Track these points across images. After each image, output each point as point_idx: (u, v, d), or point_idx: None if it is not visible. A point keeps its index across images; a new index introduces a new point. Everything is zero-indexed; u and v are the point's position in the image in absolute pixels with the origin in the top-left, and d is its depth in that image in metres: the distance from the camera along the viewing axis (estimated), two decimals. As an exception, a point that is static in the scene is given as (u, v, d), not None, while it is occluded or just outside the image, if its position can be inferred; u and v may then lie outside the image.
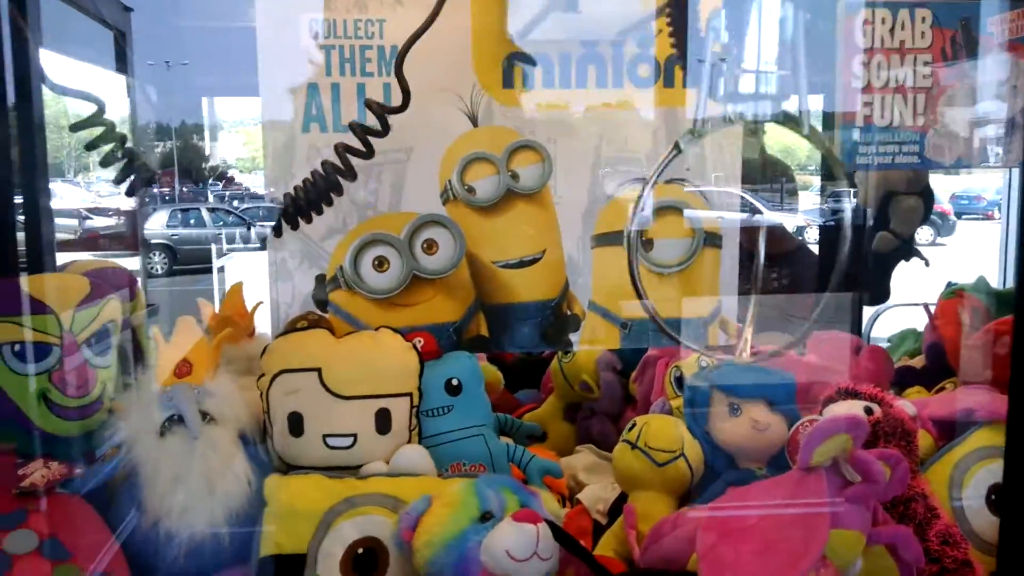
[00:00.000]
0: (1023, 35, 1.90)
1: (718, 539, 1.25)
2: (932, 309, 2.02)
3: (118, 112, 2.13)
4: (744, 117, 1.69)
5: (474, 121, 1.85)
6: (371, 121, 1.70)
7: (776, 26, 1.76)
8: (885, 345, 2.33)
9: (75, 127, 1.73)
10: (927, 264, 2.45)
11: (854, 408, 1.48)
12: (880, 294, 2.52)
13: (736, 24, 1.79)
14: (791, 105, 1.64)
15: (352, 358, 1.59)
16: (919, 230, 2.54)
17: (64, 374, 1.49)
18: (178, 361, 1.56)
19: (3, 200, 1.81)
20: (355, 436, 1.55)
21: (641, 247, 1.86)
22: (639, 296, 1.59)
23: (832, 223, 2.10)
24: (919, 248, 2.51)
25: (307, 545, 1.40)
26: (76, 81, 1.85)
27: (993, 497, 1.51)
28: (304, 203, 1.75)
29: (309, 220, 1.79)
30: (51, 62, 1.84)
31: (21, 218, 1.87)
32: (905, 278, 2.47)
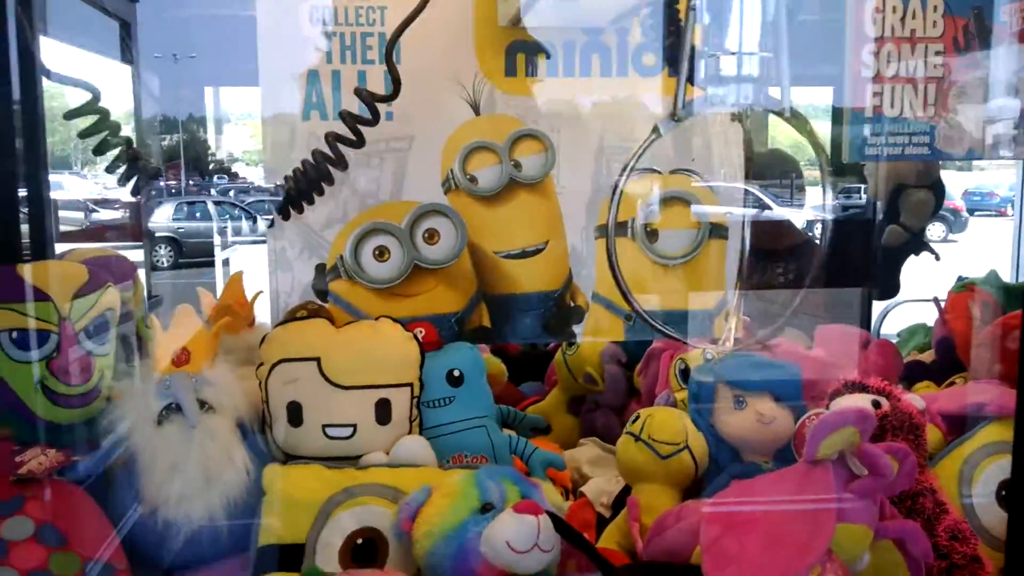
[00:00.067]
0: (1038, 24, 1.86)
1: (722, 532, 1.22)
2: (942, 304, 1.99)
3: (123, 105, 2.12)
4: (725, 102, 1.66)
5: (476, 109, 1.83)
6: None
7: (758, 9, 1.72)
8: (894, 340, 2.31)
9: (69, 115, 1.71)
10: (937, 258, 2.42)
11: (861, 401, 1.46)
12: (890, 288, 2.49)
13: (717, 7, 1.76)
14: (776, 92, 1.62)
15: (352, 348, 1.58)
16: (930, 226, 2.51)
17: (62, 362, 1.48)
18: (176, 349, 1.54)
19: (6, 191, 1.80)
20: (355, 426, 1.54)
21: (646, 238, 1.84)
22: (616, 280, 1.56)
23: (817, 215, 2.07)
24: (930, 243, 2.48)
25: (306, 535, 1.39)
26: (79, 71, 1.83)
27: (1003, 493, 1.49)
28: (295, 193, 1.73)
29: (300, 210, 1.77)
30: (54, 52, 1.82)
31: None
32: (916, 275, 2.45)
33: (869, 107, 1.88)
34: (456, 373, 1.69)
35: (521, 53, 1.84)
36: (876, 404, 1.45)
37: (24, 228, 1.82)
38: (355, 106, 1.70)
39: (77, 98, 1.74)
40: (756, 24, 1.65)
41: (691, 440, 1.54)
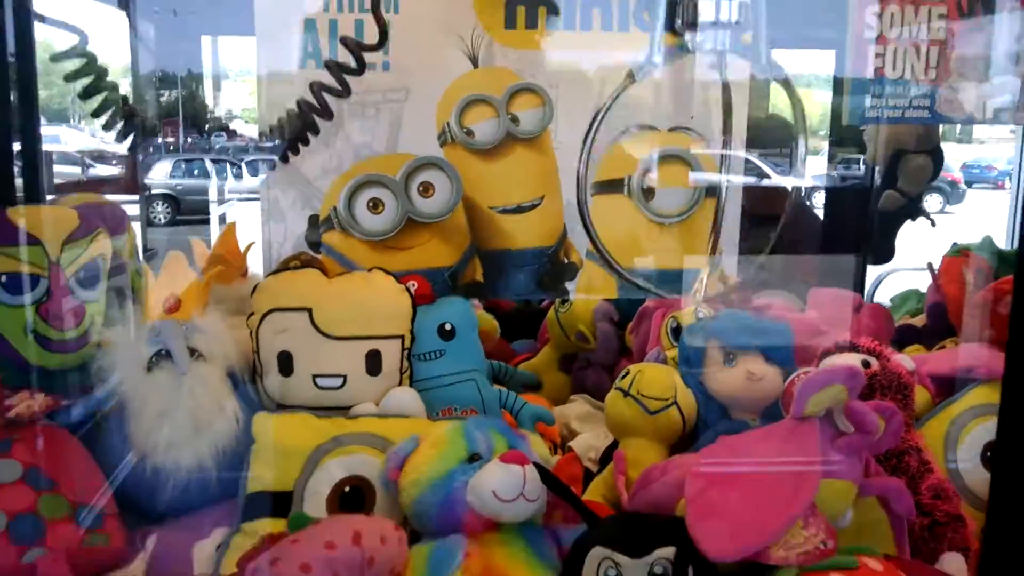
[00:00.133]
0: (1043, -12, 1.84)
1: (707, 485, 1.23)
2: (936, 269, 1.99)
3: (120, 59, 2.09)
4: (703, 48, 1.64)
5: (474, 62, 1.81)
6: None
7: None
8: (887, 306, 2.30)
9: (55, 57, 1.69)
10: (933, 224, 2.42)
11: (851, 360, 1.46)
12: (884, 253, 2.49)
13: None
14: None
15: (343, 298, 1.57)
16: (928, 197, 2.50)
17: (52, 307, 1.48)
18: (167, 297, 1.54)
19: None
20: (345, 377, 1.54)
21: (642, 196, 1.83)
22: (588, 231, 1.55)
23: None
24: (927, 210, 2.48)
25: (294, 483, 1.40)
26: (72, 19, 1.81)
27: (988, 454, 1.50)
28: (280, 140, 1.72)
29: (286, 160, 1.75)
30: (51, 3, 1.80)
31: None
32: (911, 245, 2.44)
33: (871, 69, 1.86)
34: (448, 327, 1.69)
35: (521, 6, 1.82)
36: (866, 364, 1.46)
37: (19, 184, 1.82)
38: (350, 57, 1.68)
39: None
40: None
41: (680, 396, 1.55)
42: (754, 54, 1.57)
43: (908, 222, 2.46)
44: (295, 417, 1.48)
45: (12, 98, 1.77)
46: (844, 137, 2.60)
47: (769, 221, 2.35)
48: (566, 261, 1.89)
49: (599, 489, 1.56)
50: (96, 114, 1.74)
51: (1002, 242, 2.01)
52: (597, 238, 1.57)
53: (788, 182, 2.18)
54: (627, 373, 1.59)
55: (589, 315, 2.09)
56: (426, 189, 1.80)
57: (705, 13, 1.60)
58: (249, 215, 2.02)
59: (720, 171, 1.86)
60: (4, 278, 1.46)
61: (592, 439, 1.76)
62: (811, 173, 3.02)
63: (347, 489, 1.39)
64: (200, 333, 1.48)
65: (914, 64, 1.87)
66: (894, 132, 2.33)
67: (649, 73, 1.55)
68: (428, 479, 1.30)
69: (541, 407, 1.75)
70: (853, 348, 1.51)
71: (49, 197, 1.94)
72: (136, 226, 1.78)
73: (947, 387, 1.61)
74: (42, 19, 1.76)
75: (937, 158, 2.39)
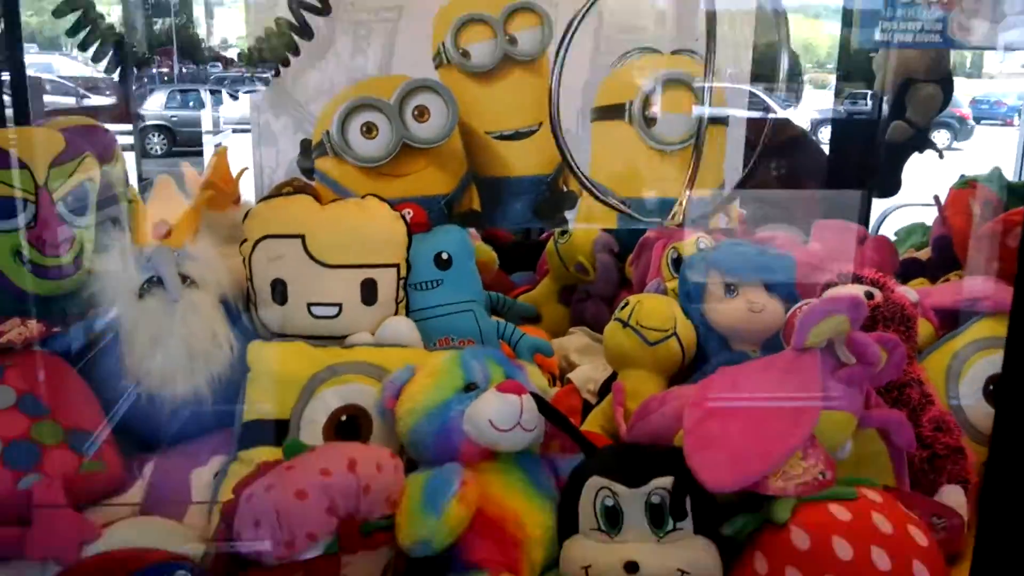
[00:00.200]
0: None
1: (706, 416, 1.21)
2: (942, 201, 1.95)
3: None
4: None
5: (470, -22, 1.74)
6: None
7: None
8: (892, 239, 2.27)
9: None
10: (941, 156, 2.37)
11: (854, 292, 1.43)
12: (891, 186, 2.45)
13: None
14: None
15: (337, 225, 1.54)
16: (935, 133, 2.45)
17: (40, 231, 1.44)
18: (157, 222, 1.51)
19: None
20: (340, 306, 1.52)
21: (643, 122, 1.78)
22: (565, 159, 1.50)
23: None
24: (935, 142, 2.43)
25: (290, 411, 1.39)
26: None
27: (991, 388, 1.48)
28: (258, 59, 1.67)
29: (266, 82, 1.69)
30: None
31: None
32: (917, 182, 2.39)
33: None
34: (444, 256, 1.66)
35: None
36: (869, 295, 1.43)
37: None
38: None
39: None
40: None
41: (679, 327, 1.53)
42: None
43: (915, 154, 2.41)
44: (290, 346, 1.47)
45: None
46: (852, 70, 2.53)
47: (772, 152, 2.31)
48: (565, 190, 1.85)
49: (597, 420, 1.56)
50: (83, 46, 1.68)
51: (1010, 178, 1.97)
52: (573, 161, 1.53)
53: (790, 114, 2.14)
54: (626, 304, 1.57)
55: (589, 246, 2.06)
56: (421, 113, 1.75)
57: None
58: (243, 145, 1.97)
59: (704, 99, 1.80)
60: (-11, 202, 1.42)
61: (591, 371, 1.75)
62: (817, 107, 2.96)
63: (343, 418, 1.38)
64: (192, 260, 1.46)
65: (928, -14, 1.81)
66: (904, 60, 2.26)
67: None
68: (424, 408, 1.29)
69: (540, 339, 1.74)
70: (856, 279, 1.48)
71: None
72: (131, 157, 1.74)
73: (950, 320, 1.59)
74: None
75: (947, 88, 2.34)
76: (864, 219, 2.50)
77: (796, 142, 2.43)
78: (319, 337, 1.50)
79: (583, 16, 1.50)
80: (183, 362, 1.39)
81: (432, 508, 1.12)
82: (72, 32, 1.67)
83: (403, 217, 1.59)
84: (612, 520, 1.13)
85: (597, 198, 1.58)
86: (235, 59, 1.72)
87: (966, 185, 1.90)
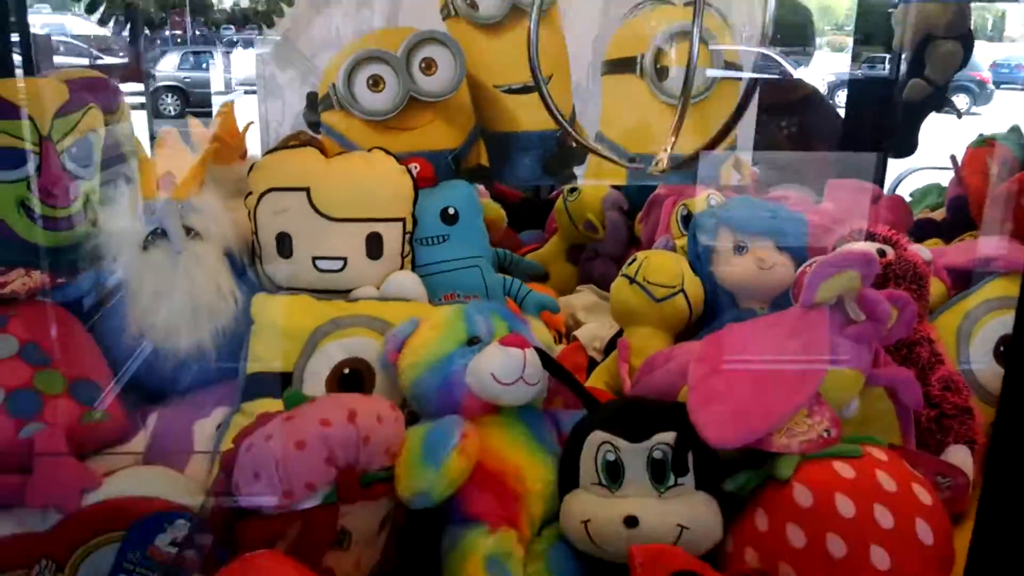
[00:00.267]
0: None
1: (710, 371, 1.20)
2: (959, 161, 1.91)
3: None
4: None
5: (479, -76, 1.70)
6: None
7: None
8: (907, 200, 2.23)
9: None
10: (959, 116, 2.32)
11: (866, 248, 1.41)
12: (907, 147, 2.40)
13: None
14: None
15: (343, 179, 1.53)
16: (954, 96, 2.39)
17: (44, 182, 1.43)
18: (161, 174, 1.50)
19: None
20: (345, 259, 1.51)
21: (655, 75, 1.74)
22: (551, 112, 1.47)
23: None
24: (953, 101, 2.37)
25: (293, 364, 1.38)
26: None
27: (1002, 348, 1.46)
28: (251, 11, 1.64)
29: (260, 32, 1.67)
30: None
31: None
32: (933, 144, 2.34)
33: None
34: (451, 211, 1.64)
35: None
36: (881, 252, 1.41)
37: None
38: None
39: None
40: None
41: (687, 284, 1.51)
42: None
43: (933, 113, 2.35)
44: (294, 299, 1.46)
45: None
46: (870, 32, 2.47)
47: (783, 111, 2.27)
48: (574, 145, 1.82)
49: (602, 376, 1.55)
50: (90, 9, 1.66)
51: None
52: (561, 116, 1.50)
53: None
54: (634, 260, 1.55)
55: (598, 204, 2.04)
56: (428, 66, 1.71)
57: None
58: (253, 105, 1.95)
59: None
60: (-6, 152, 1.41)
61: (597, 329, 1.73)
62: (834, 70, 2.90)
63: (346, 371, 1.38)
64: (196, 212, 1.46)
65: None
66: (924, 15, 2.21)
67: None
68: (427, 361, 1.28)
69: (546, 295, 1.72)
70: (869, 237, 1.46)
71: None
72: (142, 116, 1.72)
73: (963, 281, 1.57)
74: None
75: (967, 45, 2.28)
76: (879, 181, 2.46)
77: (808, 101, 2.38)
78: (324, 291, 1.49)
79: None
80: (187, 314, 1.39)
81: (432, 460, 1.11)
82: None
83: (409, 171, 1.57)
84: (613, 475, 1.12)
85: (581, 145, 1.55)
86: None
87: (984, 144, 1.86)
